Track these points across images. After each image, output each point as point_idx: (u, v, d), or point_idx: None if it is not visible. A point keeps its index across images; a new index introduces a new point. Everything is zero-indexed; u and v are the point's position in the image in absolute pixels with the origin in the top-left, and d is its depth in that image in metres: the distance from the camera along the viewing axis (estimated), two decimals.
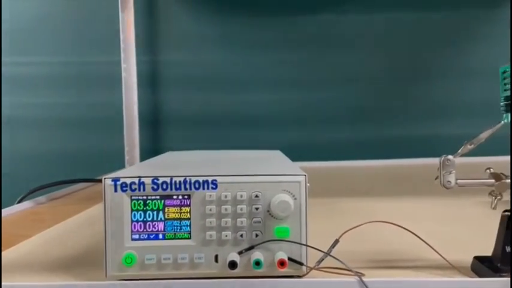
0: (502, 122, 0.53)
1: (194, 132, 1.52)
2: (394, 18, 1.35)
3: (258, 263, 0.52)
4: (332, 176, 1.26)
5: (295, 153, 1.37)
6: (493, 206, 0.54)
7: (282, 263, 0.52)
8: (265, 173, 0.54)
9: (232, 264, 0.51)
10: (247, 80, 1.45)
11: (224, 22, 1.43)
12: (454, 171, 0.53)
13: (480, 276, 0.54)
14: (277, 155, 0.84)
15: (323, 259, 0.54)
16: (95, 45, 1.50)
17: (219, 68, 1.45)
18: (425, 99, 1.37)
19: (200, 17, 1.47)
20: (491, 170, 0.55)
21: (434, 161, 0.55)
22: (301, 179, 0.54)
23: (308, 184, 0.55)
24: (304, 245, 0.53)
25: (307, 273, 0.54)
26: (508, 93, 0.53)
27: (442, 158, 0.53)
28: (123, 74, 1.56)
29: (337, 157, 1.36)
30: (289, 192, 0.54)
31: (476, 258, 0.57)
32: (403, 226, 0.57)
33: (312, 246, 0.53)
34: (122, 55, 1.55)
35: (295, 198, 0.54)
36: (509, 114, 0.53)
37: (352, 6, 1.35)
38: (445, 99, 1.36)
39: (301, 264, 0.54)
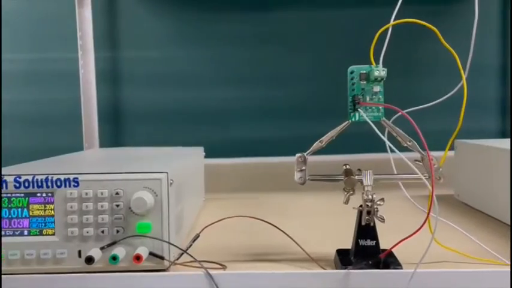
0: (349, 120, 0.55)
1: (155, 129, 1.54)
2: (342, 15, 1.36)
3: (114, 258, 0.54)
4: (272, 172, 1.27)
5: (255, 148, 1.39)
6: (344, 200, 0.56)
7: (137, 258, 0.54)
8: (126, 171, 0.56)
9: (89, 259, 0.53)
10: (208, 76, 1.46)
11: (184, 18, 1.44)
12: (305, 168, 0.55)
13: (336, 268, 0.56)
14: (183, 152, 0.86)
15: (182, 254, 0.56)
16: (53, 42, 1.51)
17: (180, 64, 1.46)
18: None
19: (160, 13, 1.48)
20: (347, 166, 0.57)
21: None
22: (162, 176, 0.56)
23: (171, 181, 0.57)
24: (160, 239, 0.55)
25: (169, 267, 0.56)
26: (355, 92, 0.55)
27: (296, 156, 0.55)
28: (81, 71, 1.57)
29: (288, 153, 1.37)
30: (151, 189, 0.56)
31: (338, 251, 0.59)
32: (272, 222, 0.59)
33: (169, 242, 0.55)
34: (80, 52, 1.57)
35: (156, 195, 0.56)
36: (356, 113, 0.55)
37: (314, 3, 1.36)
38: (393, 97, 1.37)
39: (161, 258, 0.56)
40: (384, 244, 0.56)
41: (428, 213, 0.47)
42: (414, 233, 0.49)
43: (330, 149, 1.05)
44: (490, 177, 0.82)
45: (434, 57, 1.27)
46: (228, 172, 1.26)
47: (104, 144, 1.57)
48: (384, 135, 0.57)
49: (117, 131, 1.58)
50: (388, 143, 0.50)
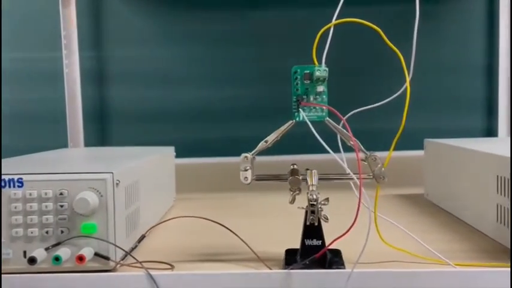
0: (293, 120, 0.55)
1: (142, 128, 1.54)
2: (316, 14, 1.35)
3: (57, 259, 0.54)
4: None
5: (236, 148, 1.39)
6: (290, 200, 0.56)
7: (80, 258, 0.54)
8: (71, 171, 0.56)
9: (31, 260, 0.53)
10: (195, 75, 1.46)
11: (169, 18, 1.44)
12: (249, 168, 0.55)
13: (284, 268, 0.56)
14: (149, 152, 0.86)
15: (126, 255, 0.56)
16: (37, 41, 1.50)
17: (165, 63, 1.46)
18: (356, 95, 1.35)
19: (144, 12, 1.47)
20: (295, 166, 0.57)
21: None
22: (107, 176, 0.56)
23: (117, 181, 0.57)
24: (103, 240, 0.55)
25: (115, 268, 0.56)
26: (299, 92, 0.54)
27: (242, 156, 0.55)
28: (66, 70, 1.57)
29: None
30: (95, 189, 0.56)
31: (287, 251, 0.59)
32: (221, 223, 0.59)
33: (112, 242, 0.55)
34: (64, 51, 1.57)
35: (101, 196, 0.56)
36: (300, 114, 0.55)
37: (298, 2, 1.35)
38: (366, 96, 1.37)
39: (107, 259, 0.56)
40: (336, 244, 0.56)
41: (358, 211, 0.46)
42: (346, 232, 0.49)
43: (293, 149, 1.05)
44: (456, 177, 0.82)
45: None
46: (209, 171, 1.26)
47: (90, 143, 1.57)
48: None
49: (104, 130, 1.58)
50: (323, 143, 0.49)
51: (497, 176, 0.64)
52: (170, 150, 1.01)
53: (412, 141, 1.14)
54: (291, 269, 0.52)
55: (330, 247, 0.57)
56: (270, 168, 0.61)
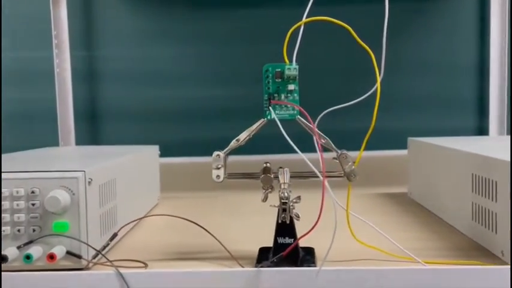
0: (265, 119, 0.55)
1: (133, 127, 1.54)
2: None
3: (28, 257, 0.54)
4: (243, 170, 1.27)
5: (224, 147, 1.39)
6: (262, 198, 0.56)
7: (51, 257, 0.54)
8: (43, 170, 0.56)
9: (3, 258, 0.53)
10: (186, 74, 1.45)
11: (160, 17, 1.44)
12: (221, 166, 0.55)
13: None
14: (131, 151, 0.86)
15: (97, 254, 0.56)
16: (28, 41, 1.50)
17: (156, 62, 1.46)
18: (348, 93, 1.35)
19: (137, 11, 1.47)
20: (268, 164, 0.57)
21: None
22: (79, 175, 0.56)
23: (90, 179, 0.57)
24: (74, 238, 0.55)
25: (87, 266, 0.56)
26: (270, 90, 0.55)
27: (213, 154, 0.55)
28: (56, 70, 1.57)
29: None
30: (68, 188, 0.56)
31: (261, 249, 0.59)
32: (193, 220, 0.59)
33: (84, 241, 0.55)
34: (55, 51, 1.57)
35: (73, 194, 0.56)
36: (271, 112, 0.55)
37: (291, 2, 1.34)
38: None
39: (78, 257, 0.56)
40: (312, 242, 0.55)
41: (321, 209, 0.46)
42: (309, 230, 0.49)
43: (271, 148, 1.05)
44: (436, 176, 0.82)
45: (408, 56, 1.26)
46: (196, 170, 1.26)
47: (81, 142, 1.57)
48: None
49: (95, 129, 1.58)
50: (290, 141, 0.49)
51: (472, 174, 0.64)
52: (154, 149, 1.01)
53: (403, 140, 1.14)
54: (261, 267, 0.52)
55: (304, 245, 0.58)
56: (248, 168, 0.61)
